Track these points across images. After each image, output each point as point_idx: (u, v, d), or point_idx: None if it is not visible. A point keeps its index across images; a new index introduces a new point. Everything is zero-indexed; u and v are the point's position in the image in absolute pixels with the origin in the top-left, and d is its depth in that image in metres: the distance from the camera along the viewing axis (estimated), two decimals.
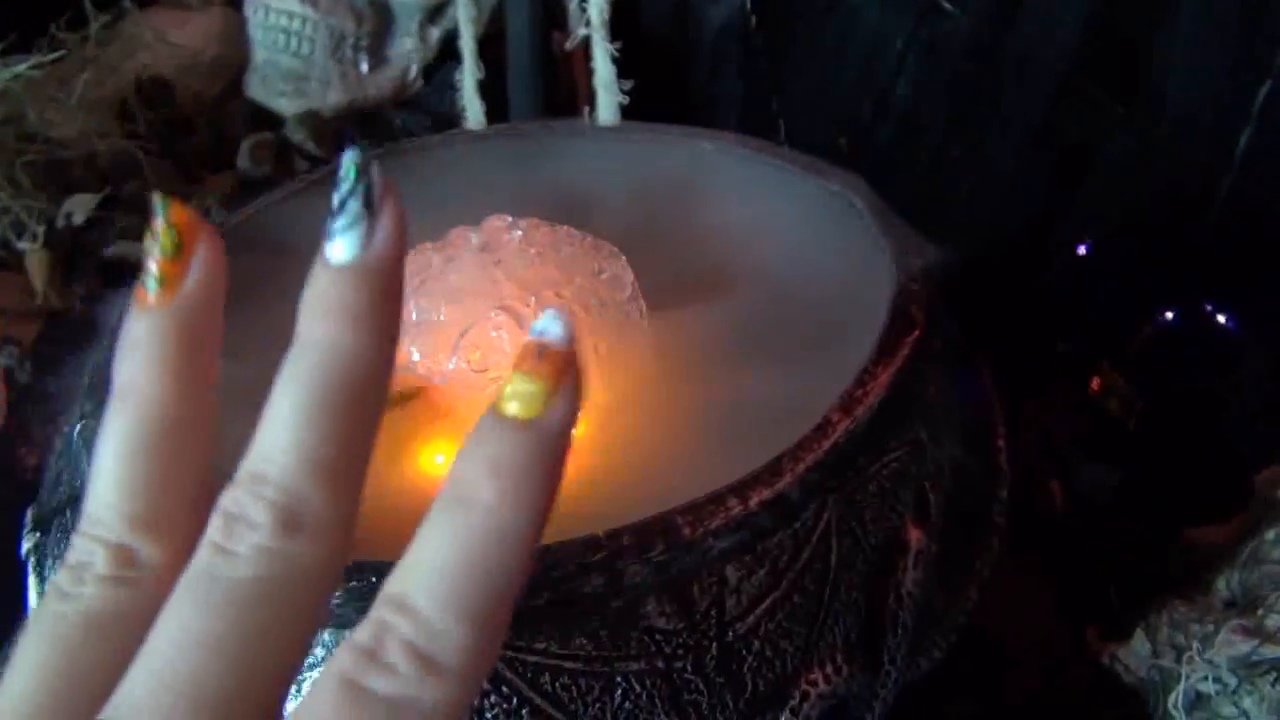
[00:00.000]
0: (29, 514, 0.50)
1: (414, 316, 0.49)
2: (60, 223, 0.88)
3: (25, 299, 0.84)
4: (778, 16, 1.15)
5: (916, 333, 0.48)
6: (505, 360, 0.47)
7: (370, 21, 1.07)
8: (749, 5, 1.15)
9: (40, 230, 0.85)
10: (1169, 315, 0.83)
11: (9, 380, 0.78)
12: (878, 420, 0.45)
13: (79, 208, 0.88)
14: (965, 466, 0.50)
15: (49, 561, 0.47)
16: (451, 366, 0.47)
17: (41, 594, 0.47)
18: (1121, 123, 0.92)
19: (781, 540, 0.41)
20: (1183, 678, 0.46)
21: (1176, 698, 0.46)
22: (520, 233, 0.52)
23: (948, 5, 1.01)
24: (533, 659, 0.38)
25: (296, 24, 1.04)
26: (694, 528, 0.39)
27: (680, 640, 0.40)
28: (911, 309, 0.49)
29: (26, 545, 0.48)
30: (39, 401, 0.79)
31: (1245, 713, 0.44)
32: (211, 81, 1.10)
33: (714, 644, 0.40)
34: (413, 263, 0.52)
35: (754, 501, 0.40)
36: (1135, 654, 0.51)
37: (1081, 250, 0.92)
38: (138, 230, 0.89)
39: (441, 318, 0.48)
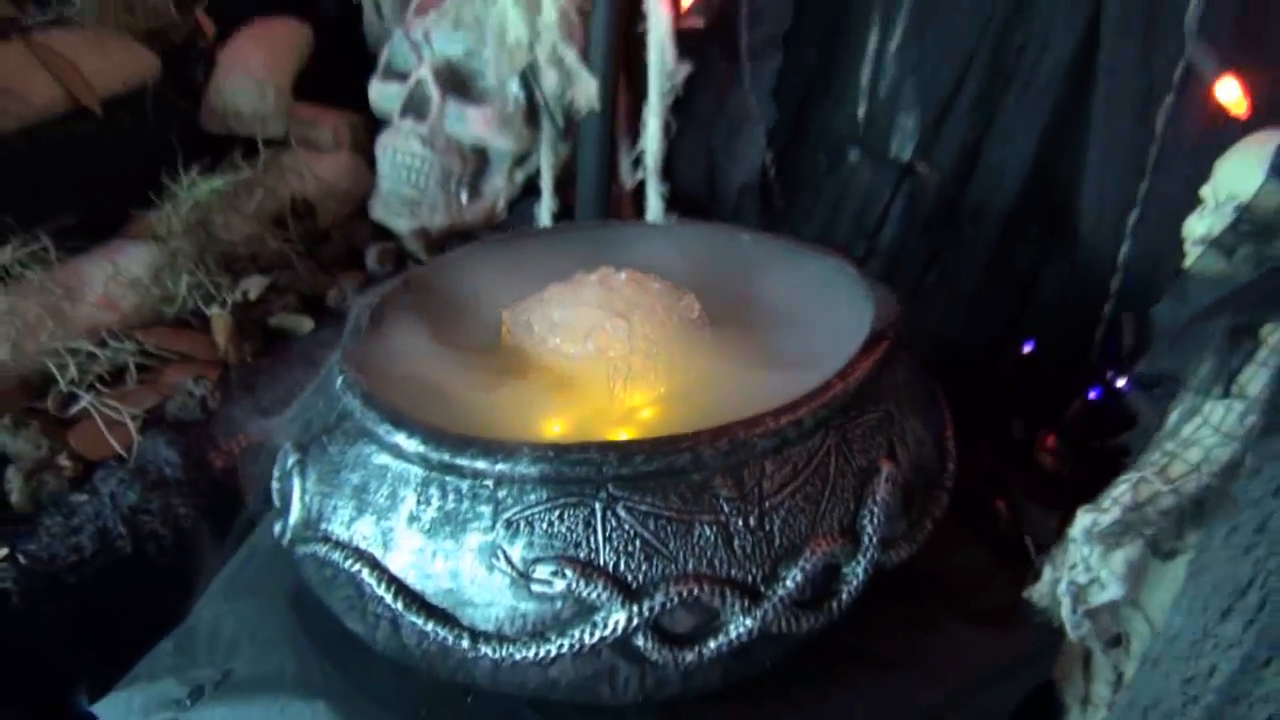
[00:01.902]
0: (288, 446, 0.73)
1: (556, 318, 0.74)
2: (238, 298, 1.14)
3: (210, 351, 1.10)
4: (789, 175, 1.44)
5: (887, 342, 0.72)
6: (620, 347, 0.72)
7: (472, 163, 1.37)
8: (771, 168, 1.44)
9: (227, 299, 1.11)
10: (1092, 394, 1.08)
11: (203, 406, 1.02)
12: (862, 389, 0.69)
13: (254, 286, 1.15)
14: (924, 441, 0.74)
15: (310, 469, 0.70)
16: (589, 348, 0.71)
17: (304, 493, 0.70)
18: (1058, 253, 1.20)
19: (800, 451, 0.65)
20: (1066, 570, 0.67)
21: (1062, 586, 0.68)
22: (624, 275, 0.77)
23: (922, 168, 1.30)
24: (643, 508, 0.61)
25: (417, 162, 1.33)
26: (747, 431, 0.63)
27: (735, 505, 0.62)
28: (885, 329, 0.74)
29: (291, 460, 0.71)
30: (223, 423, 1.03)
31: (1104, 584, 0.65)
32: (343, 205, 1.39)
33: (756, 509, 0.63)
34: (553, 292, 0.77)
35: (784, 421, 0.64)
36: (1043, 582, 0.73)
37: (1027, 349, 1.17)
38: (293, 307, 1.16)
39: (576, 320, 0.73)
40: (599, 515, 0.61)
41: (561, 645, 0.61)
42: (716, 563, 0.62)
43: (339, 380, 0.71)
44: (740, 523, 0.62)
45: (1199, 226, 0.68)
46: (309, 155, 1.43)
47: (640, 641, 0.61)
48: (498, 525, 0.62)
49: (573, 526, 0.61)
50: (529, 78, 1.32)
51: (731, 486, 0.63)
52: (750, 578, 0.62)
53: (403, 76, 1.39)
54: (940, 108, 1.25)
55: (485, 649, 0.62)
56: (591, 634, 0.61)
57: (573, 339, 0.72)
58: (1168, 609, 0.72)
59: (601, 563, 0.61)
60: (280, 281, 1.20)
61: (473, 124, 1.33)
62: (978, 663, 0.72)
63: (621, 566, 0.61)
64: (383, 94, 1.40)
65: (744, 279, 0.83)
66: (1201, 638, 0.71)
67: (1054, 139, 1.13)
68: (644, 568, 0.61)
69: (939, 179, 1.27)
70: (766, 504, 0.63)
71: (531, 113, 1.35)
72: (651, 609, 0.60)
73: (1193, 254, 0.68)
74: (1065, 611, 0.68)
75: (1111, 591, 0.66)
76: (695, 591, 0.61)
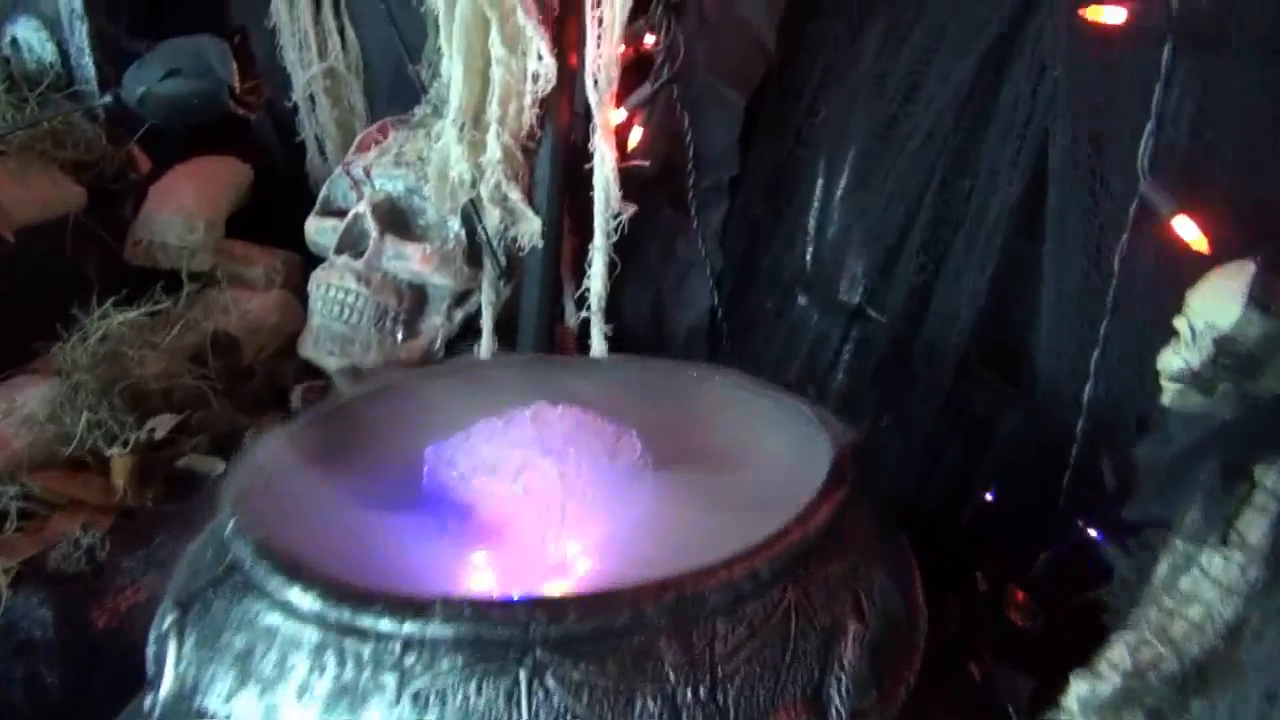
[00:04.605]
0: (167, 602, 0.63)
1: (483, 456, 0.66)
2: (142, 437, 1.05)
3: (105, 496, 0.99)
4: (738, 319, 1.41)
5: (848, 484, 0.66)
6: (553, 488, 0.64)
7: (409, 300, 1.31)
8: (720, 310, 1.41)
9: (131, 438, 1.02)
10: (1059, 545, 1.02)
11: (90, 557, 0.91)
12: (823, 537, 0.62)
13: (161, 425, 1.06)
14: (891, 595, 0.66)
15: (189, 630, 0.60)
16: (518, 489, 0.64)
17: (179, 660, 0.60)
18: (1014, 400, 1.16)
19: (756, 608, 0.57)
20: None
21: None
22: (560, 410, 0.71)
23: (873, 313, 1.28)
24: (576, 677, 0.52)
25: (351, 298, 1.28)
26: (696, 585, 0.55)
27: (683, 673, 0.54)
28: (846, 471, 0.67)
29: (168, 620, 0.61)
30: (110, 576, 0.92)
31: None
32: (271, 340, 1.32)
33: (707, 677, 0.54)
34: (481, 428, 0.70)
35: (738, 572, 0.56)
36: None
37: (988, 497, 1.12)
38: (203, 448, 1.07)
39: (505, 458, 0.66)
40: (524, 686, 0.52)
41: None
42: None
43: (230, 524, 0.62)
44: (689, 695, 0.54)
45: (1175, 361, 0.64)
46: (239, 292, 1.37)
47: None
48: (404, 699, 0.52)
49: (492, 700, 0.52)
50: (471, 215, 1.29)
51: (678, 651, 0.54)
52: None
53: (341, 213, 1.35)
54: (888, 252, 1.23)
55: None
56: None
57: (501, 479, 0.65)
58: None
59: None
60: (193, 420, 1.11)
61: (411, 260, 1.28)
62: None
63: None
64: (319, 229, 1.35)
65: (691, 417, 0.77)
66: None
67: (1004, 282, 1.11)
68: None
69: (889, 322, 1.24)
70: (719, 671, 0.55)
71: (473, 251, 1.31)
72: None
73: (1170, 390, 0.64)
74: None
75: None
76: None
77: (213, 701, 0.56)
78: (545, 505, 0.64)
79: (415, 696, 0.52)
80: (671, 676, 0.54)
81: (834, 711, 0.57)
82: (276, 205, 1.55)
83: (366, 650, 0.53)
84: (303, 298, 1.38)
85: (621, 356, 0.90)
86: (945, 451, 1.20)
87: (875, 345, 1.27)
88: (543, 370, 0.83)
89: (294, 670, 0.54)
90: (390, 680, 0.53)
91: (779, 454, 0.72)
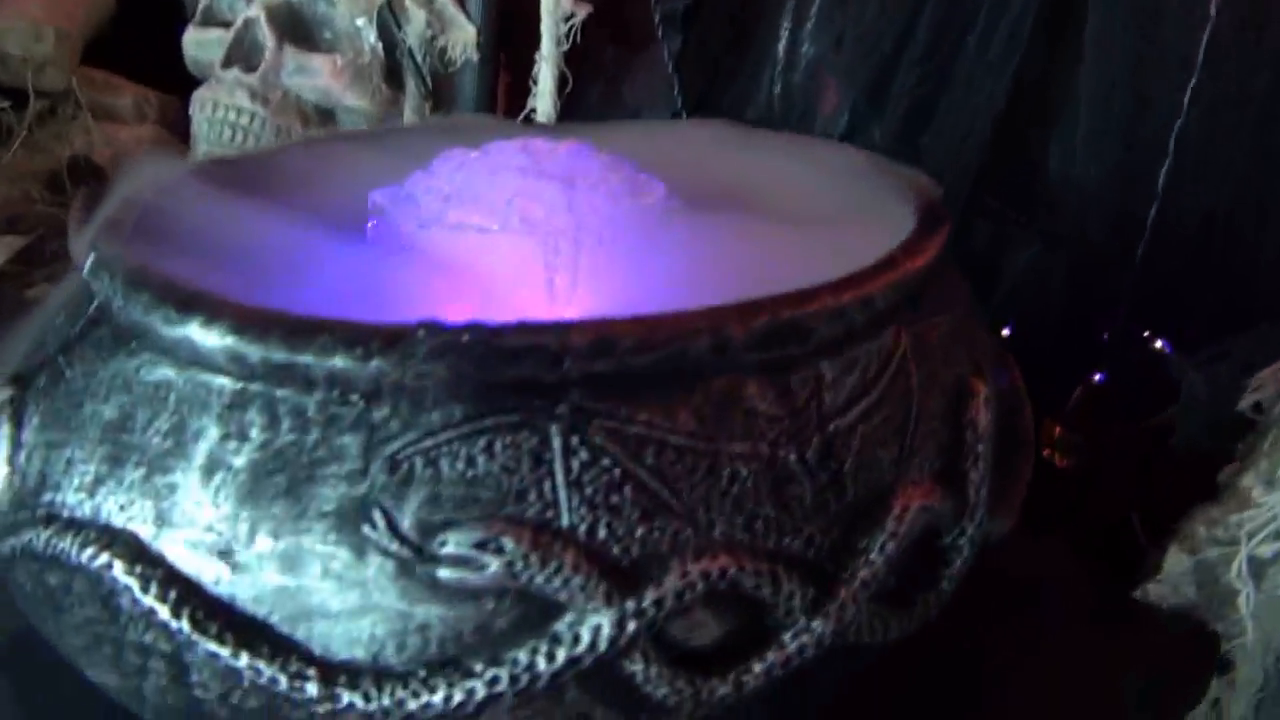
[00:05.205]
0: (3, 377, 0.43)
1: (456, 186, 0.48)
2: None
3: None
4: None
5: (947, 229, 0.50)
6: (559, 219, 0.46)
7: (315, 124, 1.09)
8: None
9: None
10: (1098, 377, 0.89)
11: None
12: (929, 280, 0.46)
13: (3, 248, 0.83)
14: (1000, 371, 0.51)
15: (30, 409, 0.40)
16: (512, 221, 0.45)
17: (16, 449, 0.40)
18: (1024, 232, 1.02)
19: (868, 350, 0.41)
20: (1243, 543, 0.45)
21: (1239, 567, 0.45)
22: (558, 141, 0.52)
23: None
24: (635, 430, 0.35)
25: (245, 119, 1.05)
26: (794, 308, 0.38)
27: (783, 427, 0.37)
28: (940, 213, 0.51)
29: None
30: None
31: None
32: None
33: (815, 435, 0.38)
34: (448, 160, 0.51)
35: (847, 298, 0.40)
36: (1171, 575, 0.51)
37: (1006, 332, 0.98)
38: (59, 276, 0.85)
39: (489, 186, 0.47)
40: (558, 446, 0.35)
41: (495, 681, 0.34)
42: (760, 525, 0.36)
43: (89, 262, 0.42)
44: (793, 458, 0.37)
45: None
46: (104, 124, 1.13)
47: (636, 667, 0.35)
48: (373, 469, 0.34)
49: (511, 465, 0.34)
50: (389, 22, 1.07)
51: (774, 400, 0.38)
52: (814, 550, 0.37)
53: (228, 24, 1.11)
54: (882, 65, 1.07)
55: (350, 697, 0.34)
56: (551, 657, 0.34)
57: (484, 208, 0.46)
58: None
59: (565, 525, 0.34)
60: (47, 247, 0.88)
61: (318, 75, 1.06)
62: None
63: (601, 533, 0.34)
64: (200, 43, 1.11)
65: (723, 169, 0.59)
66: None
67: (1027, 89, 0.97)
68: (640, 534, 0.35)
69: (885, 144, 1.09)
70: (831, 428, 0.38)
71: (392, 67, 1.10)
72: (658, 606, 0.34)
73: None
74: (1247, 603, 0.45)
75: None
76: (730, 573, 0.35)
77: (71, 496, 0.37)
78: (549, 242, 0.46)
79: (391, 465, 0.34)
80: (768, 432, 0.37)
81: (971, 490, 0.42)
82: (148, 39, 1.30)
83: (312, 403, 0.35)
84: (181, 135, 1.15)
85: (614, 121, 0.72)
86: None
87: None
88: (525, 130, 0.64)
89: (199, 439, 0.36)
90: (352, 443, 0.34)
91: (845, 203, 0.55)
